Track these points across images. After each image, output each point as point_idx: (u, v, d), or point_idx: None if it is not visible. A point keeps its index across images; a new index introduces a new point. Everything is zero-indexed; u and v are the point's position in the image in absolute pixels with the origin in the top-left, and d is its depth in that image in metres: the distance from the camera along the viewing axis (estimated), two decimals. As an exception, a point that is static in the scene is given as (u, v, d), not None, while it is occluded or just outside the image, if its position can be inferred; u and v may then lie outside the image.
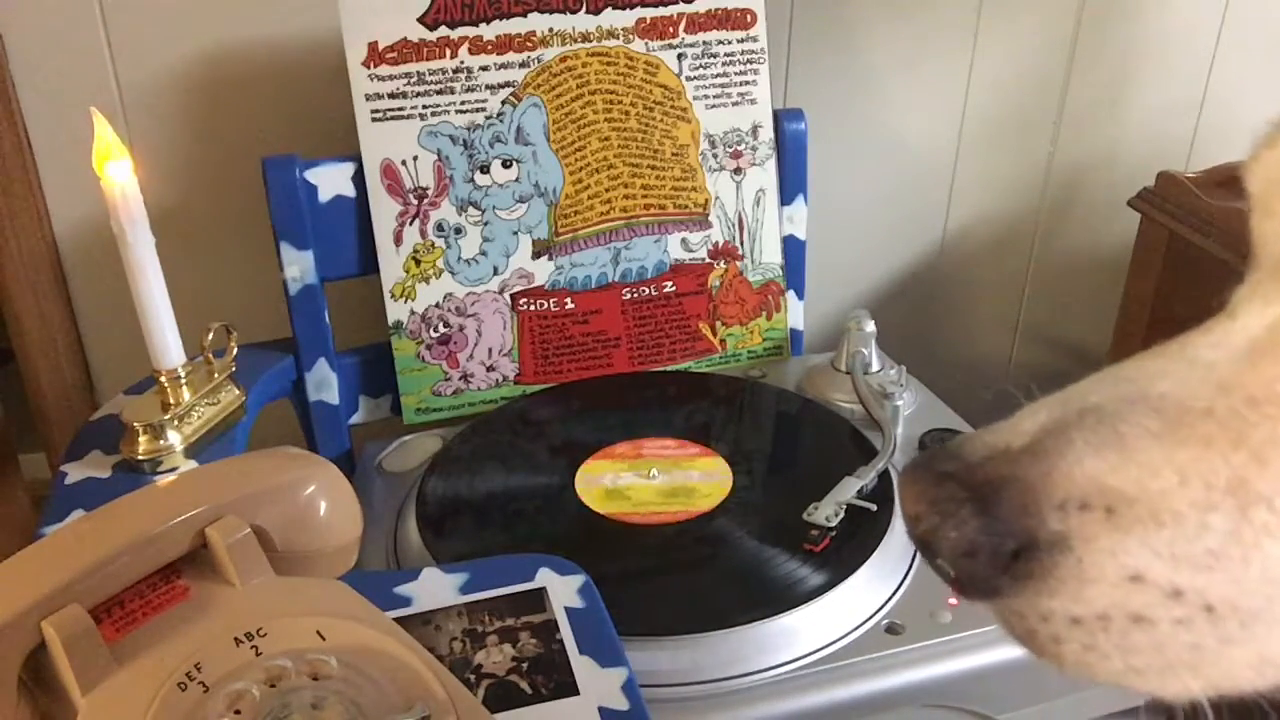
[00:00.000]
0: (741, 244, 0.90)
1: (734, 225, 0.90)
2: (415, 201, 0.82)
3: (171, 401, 0.66)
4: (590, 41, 0.84)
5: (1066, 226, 1.16)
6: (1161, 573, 0.26)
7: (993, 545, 0.27)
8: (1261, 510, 0.26)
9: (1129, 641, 0.27)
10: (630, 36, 0.85)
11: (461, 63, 0.81)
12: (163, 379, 0.66)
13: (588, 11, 0.84)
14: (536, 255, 0.86)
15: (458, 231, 0.83)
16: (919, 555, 0.29)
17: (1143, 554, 0.26)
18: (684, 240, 0.89)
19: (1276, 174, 0.32)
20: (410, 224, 0.82)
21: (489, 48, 0.82)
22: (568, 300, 0.87)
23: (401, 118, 0.81)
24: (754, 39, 0.88)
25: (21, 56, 0.82)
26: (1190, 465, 0.26)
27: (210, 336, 0.69)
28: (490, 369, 0.86)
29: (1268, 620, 0.26)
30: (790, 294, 0.93)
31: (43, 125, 0.84)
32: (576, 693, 0.51)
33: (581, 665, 0.52)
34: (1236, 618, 0.26)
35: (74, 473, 0.66)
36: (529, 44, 0.83)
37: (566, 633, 0.54)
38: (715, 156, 0.88)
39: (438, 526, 0.71)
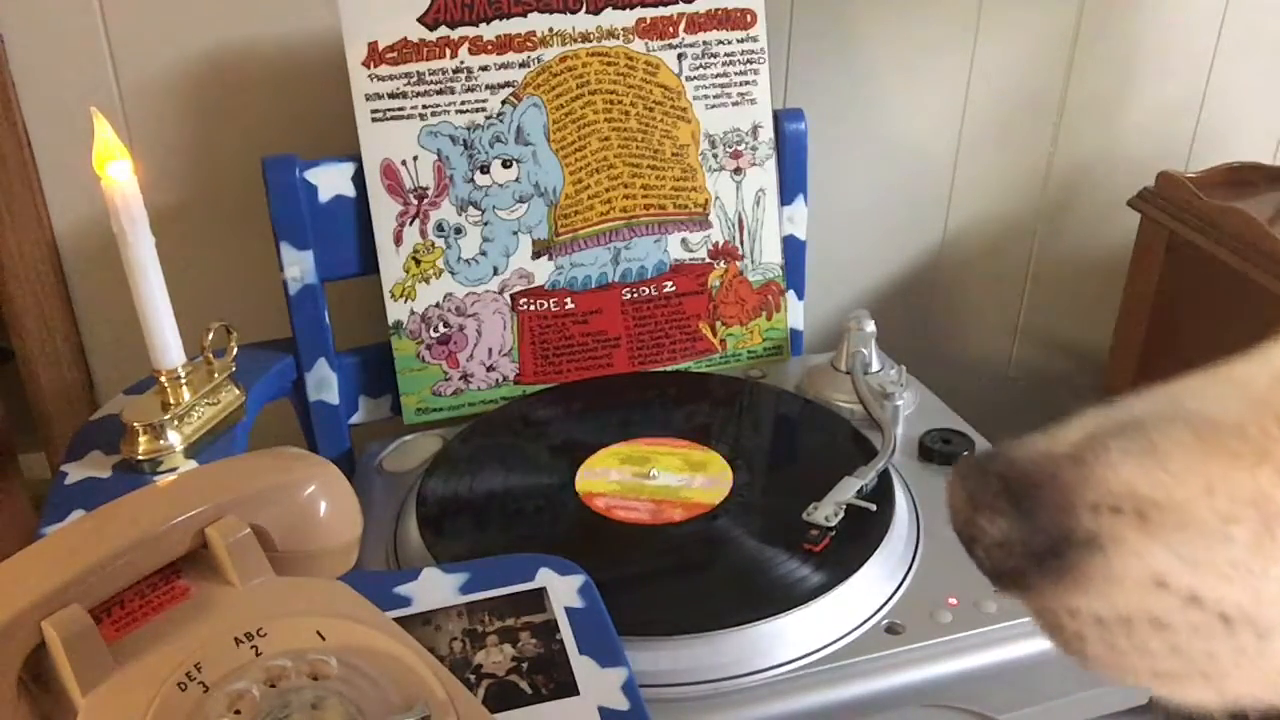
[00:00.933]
0: (741, 244, 0.90)
1: (734, 225, 0.90)
2: (415, 201, 0.82)
3: (171, 401, 0.66)
4: (590, 41, 0.84)
5: (1066, 226, 1.16)
6: (1182, 579, 0.27)
7: (1027, 540, 0.28)
8: None
9: (1148, 644, 0.27)
10: (630, 36, 0.85)
11: (461, 63, 0.81)
12: (163, 379, 0.66)
13: (588, 11, 0.84)
14: (536, 255, 0.86)
15: (458, 231, 0.83)
16: (965, 552, 0.30)
17: (1167, 559, 0.27)
18: (684, 240, 0.89)
19: None
20: (410, 224, 0.82)
21: (489, 48, 0.82)
22: (568, 300, 0.87)
23: (401, 118, 0.81)
24: (754, 39, 0.88)
25: (21, 56, 0.82)
26: (1217, 477, 0.27)
27: (210, 336, 0.69)
28: (490, 369, 0.86)
29: None
30: (790, 294, 0.93)
31: (43, 125, 0.84)
32: (576, 693, 0.51)
33: (581, 665, 0.52)
34: (1252, 630, 0.27)
35: (74, 473, 0.66)
36: (529, 44, 0.83)
37: (566, 633, 0.54)
38: (715, 156, 0.88)
39: (438, 526, 0.71)
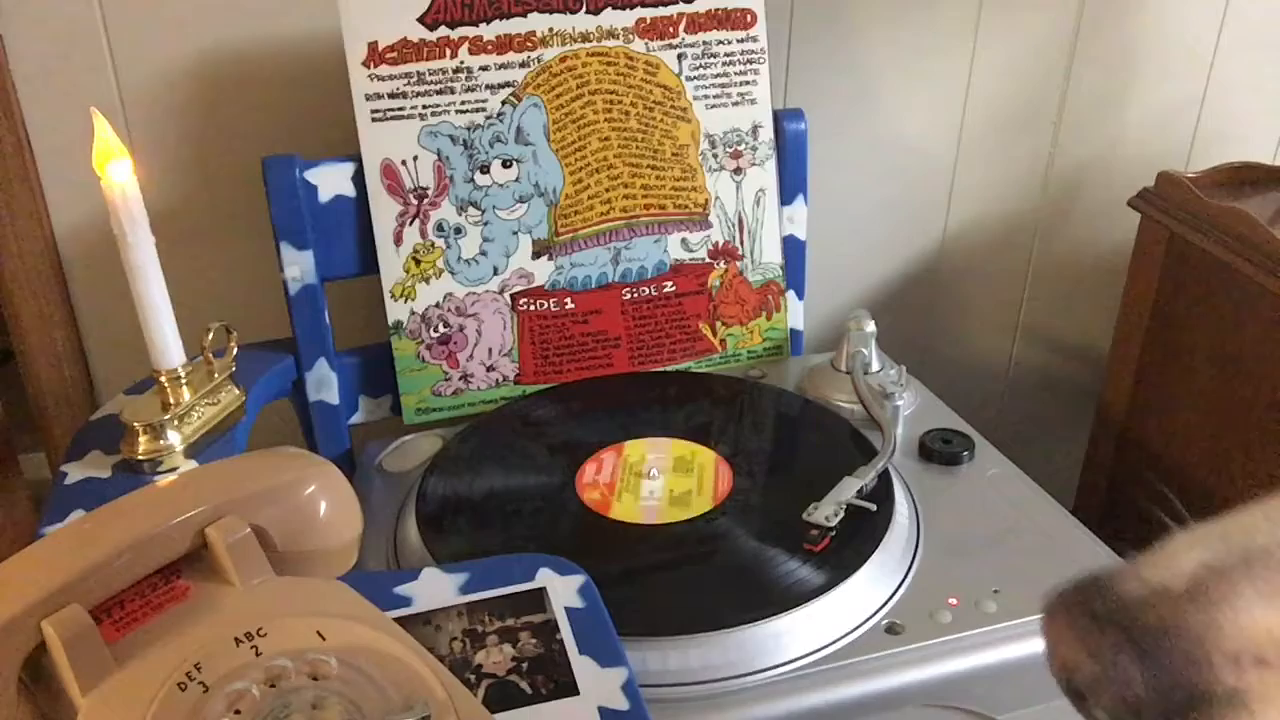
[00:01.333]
0: (741, 244, 0.90)
1: (734, 225, 0.90)
2: (415, 201, 0.82)
3: (171, 401, 0.66)
4: (590, 41, 0.84)
5: (1066, 226, 1.16)
6: None
7: (1159, 700, 0.25)
8: None
9: None
10: (630, 36, 0.85)
11: (461, 63, 0.81)
12: (163, 379, 0.66)
13: (588, 11, 0.84)
14: (536, 255, 0.86)
15: (458, 231, 0.83)
16: (1064, 694, 0.28)
17: None
18: (684, 240, 0.89)
19: None
20: (410, 224, 0.82)
21: (489, 48, 0.82)
22: (568, 300, 0.87)
23: (401, 118, 0.81)
24: (754, 39, 0.88)
25: (21, 56, 0.82)
26: None
27: (210, 336, 0.69)
28: (490, 369, 0.86)
29: None
30: (790, 294, 0.93)
31: (43, 125, 0.84)
32: (576, 693, 0.51)
33: (581, 665, 0.52)
34: None
35: (74, 473, 0.66)
36: (529, 44, 0.83)
37: (566, 633, 0.54)
38: (715, 156, 0.88)
39: (438, 526, 0.71)
